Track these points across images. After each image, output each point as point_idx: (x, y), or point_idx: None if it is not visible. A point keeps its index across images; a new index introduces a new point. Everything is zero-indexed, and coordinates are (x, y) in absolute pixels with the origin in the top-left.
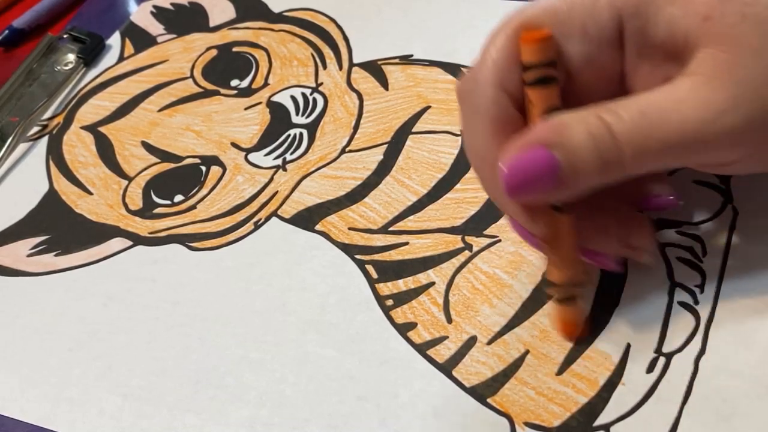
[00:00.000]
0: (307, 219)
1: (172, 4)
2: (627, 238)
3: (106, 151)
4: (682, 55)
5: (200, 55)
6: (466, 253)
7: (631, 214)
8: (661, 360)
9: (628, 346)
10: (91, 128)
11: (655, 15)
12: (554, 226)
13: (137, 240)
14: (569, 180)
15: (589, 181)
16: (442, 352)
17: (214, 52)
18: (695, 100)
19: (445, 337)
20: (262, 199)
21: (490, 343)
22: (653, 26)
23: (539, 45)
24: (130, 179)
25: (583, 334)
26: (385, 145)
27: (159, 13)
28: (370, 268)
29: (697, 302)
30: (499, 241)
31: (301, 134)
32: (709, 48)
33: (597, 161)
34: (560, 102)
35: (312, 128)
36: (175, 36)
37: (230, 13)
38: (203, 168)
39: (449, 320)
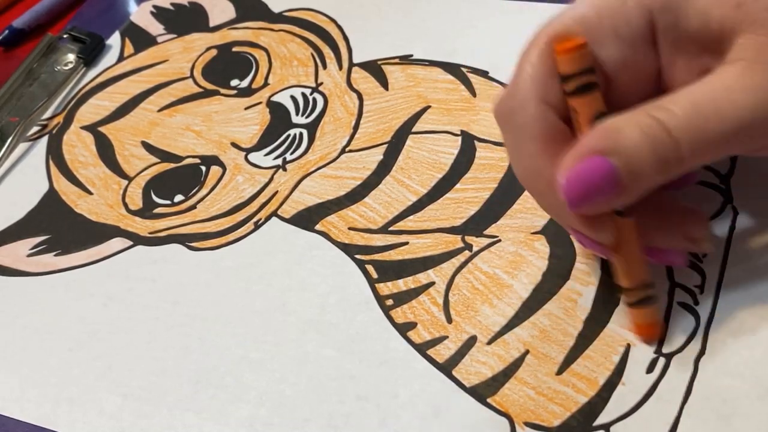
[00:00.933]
0: (307, 219)
1: (172, 4)
2: (687, 231)
3: (106, 151)
4: (719, 45)
5: (200, 55)
6: (466, 253)
7: (685, 206)
8: (661, 360)
9: (628, 346)
10: (91, 128)
11: (686, 7)
12: (619, 231)
13: (137, 240)
14: (629, 184)
15: (649, 181)
16: (442, 352)
17: (214, 52)
18: (744, 86)
19: (445, 337)
20: (262, 199)
21: (490, 343)
22: (685, 19)
23: (575, 54)
24: (130, 179)
25: (662, 334)
26: (385, 145)
27: (159, 13)
28: (370, 268)
29: (697, 303)
30: (499, 241)
31: (301, 134)
32: (747, 33)
33: (655, 161)
34: (605, 107)
35: (312, 128)
36: (175, 36)
37: (230, 13)
38: (203, 168)
39: (449, 320)
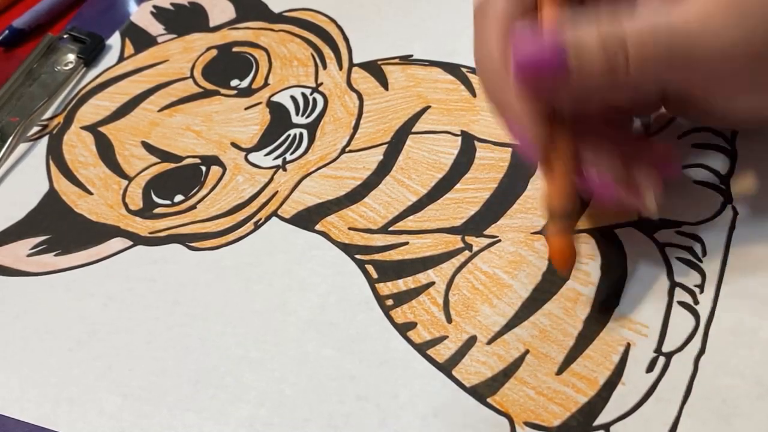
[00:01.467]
0: (307, 219)
1: (172, 4)
2: (630, 169)
3: (106, 151)
4: None
5: (200, 55)
6: (466, 253)
7: (644, 143)
8: (661, 360)
9: (628, 345)
10: (91, 128)
11: None
12: (555, 141)
13: (137, 240)
14: (577, 75)
15: (595, 82)
16: (442, 352)
17: (214, 52)
18: (701, 12)
19: (445, 337)
20: (262, 199)
21: (490, 342)
22: None
23: None
24: (130, 179)
25: (573, 263)
26: (385, 145)
27: (159, 13)
28: (370, 267)
29: (697, 302)
30: (499, 241)
31: (301, 134)
32: None
33: (605, 61)
34: None
35: (312, 128)
36: (175, 36)
37: (230, 13)
38: (203, 168)
39: (449, 320)
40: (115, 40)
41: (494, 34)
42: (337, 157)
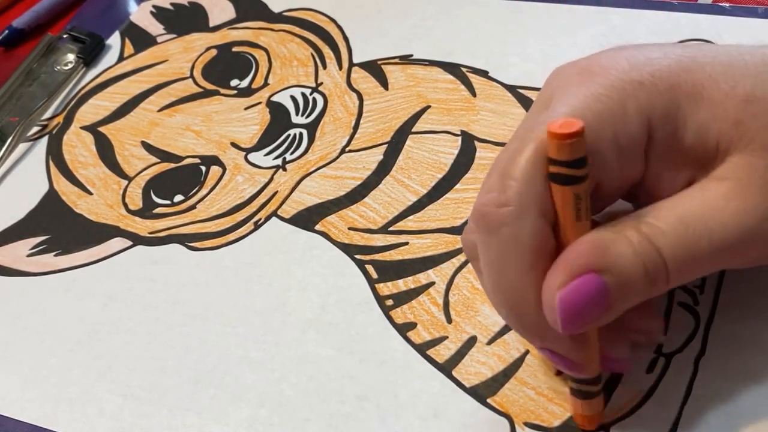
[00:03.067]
0: (307, 219)
1: (172, 4)
2: (636, 326)
3: (106, 151)
4: (710, 160)
5: (200, 55)
6: None
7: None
8: (661, 360)
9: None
10: (91, 128)
11: (684, 121)
12: (587, 340)
13: (137, 240)
14: (619, 302)
15: (635, 300)
16: (442, 352)
17: (214, 52)
18: (735, 207)
19: (445, 337)
20: (262, 199)
21: (490, 343)
22: (682, 131)
23: (575, 139)
24: (130, 179)
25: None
26: (385, 145)
27: (159, 13)
28: (370, 268)
29: (697, 303)
30: None
31: (301, 134)
32: (741, 152)
33: (645, 279)
34: (590, 205)
35: (312, 128)
36: (175, 36)
37: (230, 13)
38: (203, 168)
39: (449, 320)
40: (114, 40)
41: (523, 270)
42: (337, 157)
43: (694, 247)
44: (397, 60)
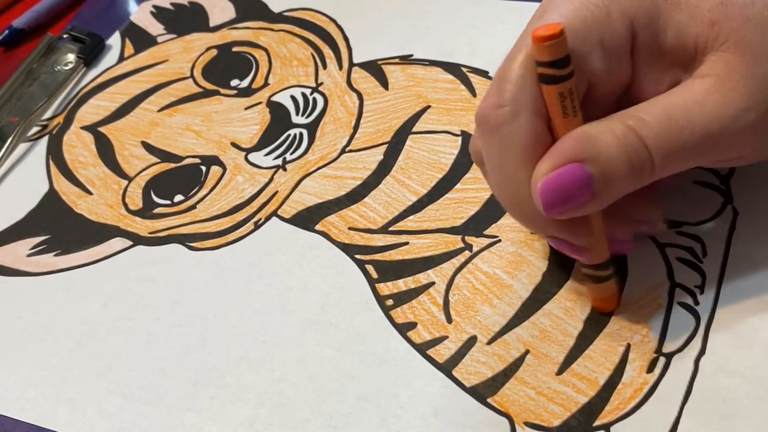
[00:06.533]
0: (307, 219)
1: (172, 4)
2: (636, 215)
3: (106, 151)
4: (690, 60)
5: (200, 55)
6: (466, 253)
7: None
8: (661, 360)
9: (628, 346)
10: (91, 128)
11: (665, 22)
12: (589, 226)
13: (137, 240)
14: (603, 191)
15: (621, 189)
16: (442, 352)
17: (214, 52)
18: (715, 100)
19: (445, 337)
20: (262, 199)
21: (490, 343)
22: (663, 33)
23: (557, 40)
24: (130, 179)
25: (617, 306)
26: (385, 145)
27: (159, 13)
28: (370, 268)
29: (697, 303)
30: (499, 241)
31: (301, 134)
32: (718, 51)
33: (629, 169)
34: (579, 102)
35: (312, 128)
36: (175, 36)
37: (230, 13)
38: (203, 168)
39: (449, 320)
40: (115, 40)
41: (520, 163)
42: (337, 157)
43: (677, 137)
44: (397, 60)
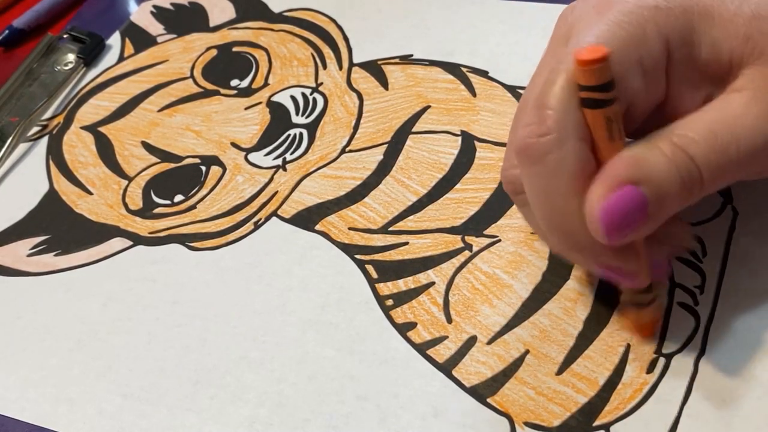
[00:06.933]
0: (307, 219)
1: (172, 4)
2: (670, 239)
3: (106, 151)
4: (725, 75)
5: (200, 55)
6: (466, 253)
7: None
8: (661, 360)
9: (628, 346)
10: (91, 128)
11: (699, 39)
12: (637, 251)
13: (137, 240)
14: (657, 211)
15: (674, 208)
16: (442, 352)
17: (214, 52)
18: (755, 113)
19: (445, 337)
20: (262, 199)
21: (490, 343)
22: (697, 49)
23: (602, 64)
24: (130, 179)
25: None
26: (385, 145)
27: (159, 13)
28: (370, 268)
29: (697, 303)
30: (499, 241)
31: (301, 134)
32: (753, 65)
33: (681, 188)
34: (622, 124)
35: (312, 128)
36: (175, 36)
37: (230, 13)
38: (203, 168)
39: (449, 320)
40: (115, 40)
41: (569, 193)
42: (337, 157)
43: (724, 152)
44: (397, 60)
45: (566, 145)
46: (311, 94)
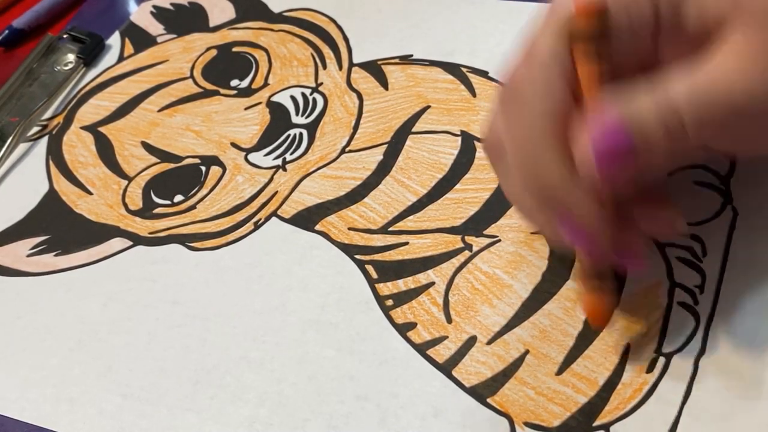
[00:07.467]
0: (307, 219)
1: (172, 4)
2: (658, 222)
3: (106, 151)
4: (711, 36)
5: (200, 55)
6: (466, 253)
7: (647, 195)
8: (661, 360)
9: (628, 346)
10: (91, 128)
11: (686, 2)
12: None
13: (137, 240)
14: (644, 155)
15: (660, 154)
16: (442, 352)
17: (214, 52)
18: (740, 72)
19: (445, 337)
20: (262, 199)
21: (489, 343)
22: (684, 10)
23: (600, 15)
24: (130, 179)
25: (608, 322)
26: (385, 145)
27: (159, 13)
28: (370, 268)
29: (696, 302)
30: (499, 241)
31: (300, 134)
32: (739, 26)
33: (665, 135)
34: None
35: (312, 128)
36: (175, 36)
37: (230, 13)
38: (203, 168)
39: (449, 320)
40: (115, 40)
41: (548, 132)
42: (337, 157)
43: (707, 109)
44: (397, 60)
45: (551, 87)
46: (311, 94)
